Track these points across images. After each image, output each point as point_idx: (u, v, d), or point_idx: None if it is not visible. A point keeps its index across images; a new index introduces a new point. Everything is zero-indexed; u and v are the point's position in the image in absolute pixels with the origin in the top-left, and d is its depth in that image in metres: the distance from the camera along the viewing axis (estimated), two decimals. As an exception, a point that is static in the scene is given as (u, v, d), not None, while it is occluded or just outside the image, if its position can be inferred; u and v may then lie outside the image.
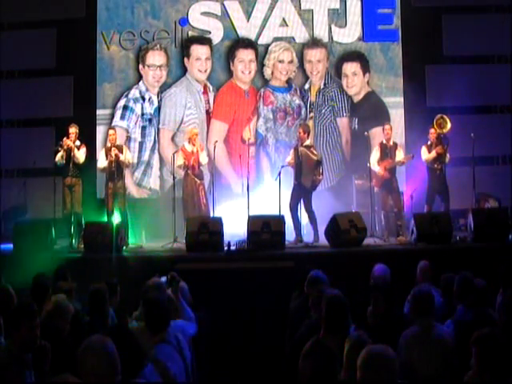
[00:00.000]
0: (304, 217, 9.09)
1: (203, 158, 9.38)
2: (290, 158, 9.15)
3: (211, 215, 9.07)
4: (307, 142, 9.09)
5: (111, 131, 9.36)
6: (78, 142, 9.04)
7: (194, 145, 9.30)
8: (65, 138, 8.95)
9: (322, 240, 8.54)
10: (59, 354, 3.47)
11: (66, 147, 8.87)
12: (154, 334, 3.44)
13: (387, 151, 9.24)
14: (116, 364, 2.64)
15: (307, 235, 9.01)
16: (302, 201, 8.97)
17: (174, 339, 3.58)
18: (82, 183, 9.12)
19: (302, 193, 8.95)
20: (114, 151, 9.01)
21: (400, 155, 9.28)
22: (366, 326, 4.10)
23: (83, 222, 8.99)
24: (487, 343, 3.05)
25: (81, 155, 8.99)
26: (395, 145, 9.34)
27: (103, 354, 2.62)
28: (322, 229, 8.59)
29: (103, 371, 2.60)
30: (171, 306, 3.87)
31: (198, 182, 9.30)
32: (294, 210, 8.96)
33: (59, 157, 8.93)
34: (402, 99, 10.91)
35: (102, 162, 9.26)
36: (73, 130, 9.03)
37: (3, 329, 3.87)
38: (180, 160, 9.26)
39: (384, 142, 9.30)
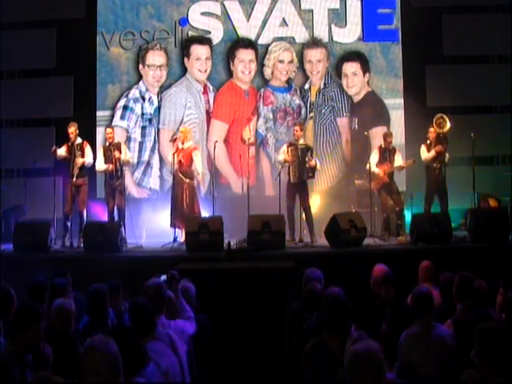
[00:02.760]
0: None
1: (198, 164, 9.12)
2: (284, 155, 9.09)
3: (196, 215, 8.98)
4: (301, 140, 9.14)
5: (109, 130, 9.33)
6: (79, 140, 9.05)
7: (182, 143, 9.15)
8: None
9: (322, 240, 8.53)
10: (64, 357, 3.47)
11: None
12: (144, 336, 3.49)
13: (386, 155, 9.23)
14: (118, 364, 2.63)
15: (308, 235, 9.02)
16: (297, 199, 8.97)
17: (165, 336, 3.64)
18: (88, 183, 9.19)
19: (297, 190, 8.96)
20: (115, 156, 8.99)
21: (399, 160, 9.26)
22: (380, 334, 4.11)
23: (85, 221, 9.02)
24: (490, 334, 3.05)
25: (89, 159, 9.07)
26: (394, 149, 9.33)
27: (106, 355, 2.61)
28: (322, 229, 8.58)
29: (105, 371, 2.59)
30: (153, 310, 3.86)
31: (185, 180, 9.08)
32: (292, 209, 8.96)
33: (62, 153, 8.96)
34: (402, 100, 10.91)
35: (100, 163, 9.21)
36: (72, 129, 9.04)
37: (2, 329, 3.87)
38: (169, 156, 9.23)
39: (383, 145, 9.30)
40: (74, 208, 9.11)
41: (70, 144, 9.04)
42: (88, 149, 9.12)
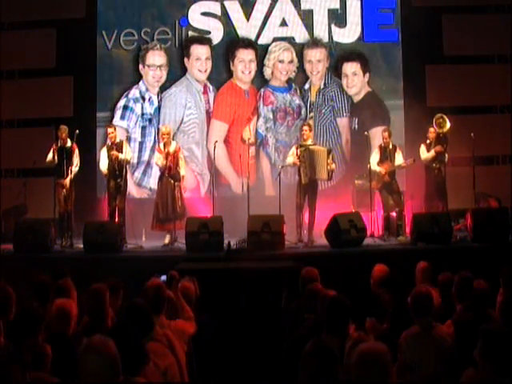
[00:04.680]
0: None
1: (182, 167, 9.07)
2: (293, 158, 9.03)
3: (186, 218, 8.92)
4: (309, 141, 9.11)
5: (110, 129, 9.27)
6: (69, 143, 9.03)
7: (165, 145, 9.02)
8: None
9: (322, 240, 8.53)
10: (63, 357, 3.47)
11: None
12: (142, 336, 3.49)
13: (386, 154, 9.21)
14: (117, 364, 2.62)
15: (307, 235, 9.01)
16: (307, 198, 8.94)
17: (162, 337, 3.64)
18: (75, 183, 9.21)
19: (307, 190, 8.92)
20: (113, 155, 8.96)
21: (399, 158, 9.24)
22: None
23: (73, 221, 9.05)
24: (494, 335, 3.05)
25: (77, 162, 9.06)
26: (394, 147, 9.31)
27: (104, 355, 2.61)
28: (322, 229, 8.58)
29: (104, 372, 2.58)
30: (150, 311, 3.85)
31: (174, 183, 8.99)
32: (302, 208, 8.93)
33: (50, 158, 8.97)
34: (402, 101, 10.90)
35: (103, 163, 9.18)
36: (64, 134, 9.02)
37: (3, 329, 3.86)
38: (159, 159, 9.07)
39: (383, 144, 9.30)
40: (67, 208, 9.12)
41: (58, 147, 8.99)
42: (77, 152, 9.10)
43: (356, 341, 3.32)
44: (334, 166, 9.01)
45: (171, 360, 3.57)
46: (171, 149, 9.04)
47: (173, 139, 10.89)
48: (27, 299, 4.58)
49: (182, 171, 9.09)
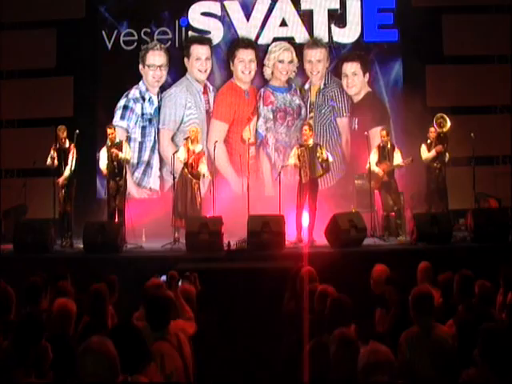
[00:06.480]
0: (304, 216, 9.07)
1: (203, 169, 9.22)
2: (294, 159, 8.94)
3: (203, 215, 9.04)
4: (310, 141, 9.07)
5: (110, 130, 9.25)
6: (67, 144, 9.03)
7: (191, 142, 9.19)
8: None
9: (322, 240, 8.52)
10: (63, 357, 3.47)
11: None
12: (154, 331, 3.45)
13: (385, 154, 9.21)
14: (116, 365, 2.62)
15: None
16: (307, 198, 8.92)
17: (173, 337, 3.61)
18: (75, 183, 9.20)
19: (308, 190, 8.90)
20: (113, 153, 8.96)
21: (398, 158, 9.22)
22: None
23: (72, 221, 9.07)
24: (493, 336, 3.05)
25: (72, 164, 9.04)
26: (393, 147, 9.31)
27: (103, 356, 2.60)
28: (322, 229, 8.57)
29: (103, 372, 2.58)
30: (171, 306, 3.87)
31: (194, 180, 9.18)
32: (302, 208, 8.90)
33: (50, 159, 8.97)
34: (401, 100, 10.90)
35: (103, 162, 9.19)
36: (64, 134, 9.02)
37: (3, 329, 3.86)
38: (181, 154, 9.18)
39: (382, 144, 9.29)
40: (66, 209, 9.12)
41: (57, 147, 9.00)
42: (73, 153, 9.08)
43: (340, 340, 3.25)
44: (324, 155, 8.84)
45: (178, 364, 3.52)
46: (197, 149, 9.22)
47: (172, 140, 10.96)
48: (23, 300, 4.57)
49: (206, 173, 9.22)
